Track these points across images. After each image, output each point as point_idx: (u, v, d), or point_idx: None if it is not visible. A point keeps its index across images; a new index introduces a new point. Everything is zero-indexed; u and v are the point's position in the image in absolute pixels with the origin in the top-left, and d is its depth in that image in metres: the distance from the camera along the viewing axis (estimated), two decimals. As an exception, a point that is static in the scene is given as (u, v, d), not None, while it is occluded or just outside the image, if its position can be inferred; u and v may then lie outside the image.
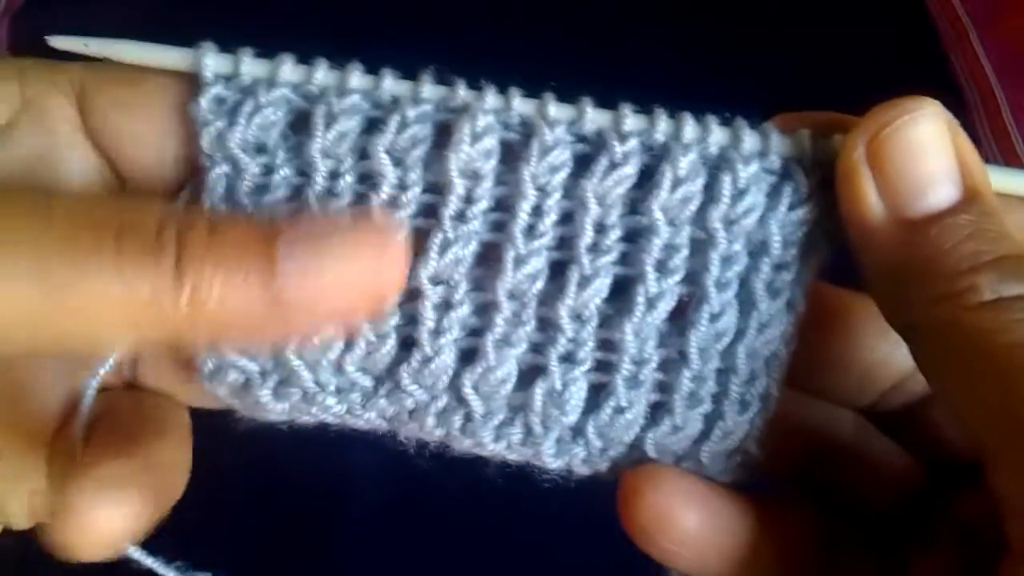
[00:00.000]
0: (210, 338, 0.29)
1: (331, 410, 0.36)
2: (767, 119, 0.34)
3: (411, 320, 0.35)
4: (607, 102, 0.34)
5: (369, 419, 0.36)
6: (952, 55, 0.70)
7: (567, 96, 0.34)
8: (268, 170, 0.34)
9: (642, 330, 0.34)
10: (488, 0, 0.70)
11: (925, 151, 0.30)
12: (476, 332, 0.35)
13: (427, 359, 0.34)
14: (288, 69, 0.34)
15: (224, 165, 0.34)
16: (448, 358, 0.34)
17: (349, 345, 0.35)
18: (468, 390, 0.35)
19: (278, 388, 0.36)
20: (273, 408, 0.36)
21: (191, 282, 0.26)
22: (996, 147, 0.66)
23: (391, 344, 0.35)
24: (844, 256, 0.34)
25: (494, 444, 0.35)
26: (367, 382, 0.35)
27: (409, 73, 0.34)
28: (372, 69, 0.34)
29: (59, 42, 0.34)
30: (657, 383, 0.35)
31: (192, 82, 0.34)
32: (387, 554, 0.59)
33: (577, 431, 0.35)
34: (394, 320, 0.35)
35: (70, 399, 0.35)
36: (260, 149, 0.35)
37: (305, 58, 0.34)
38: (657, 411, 0.35)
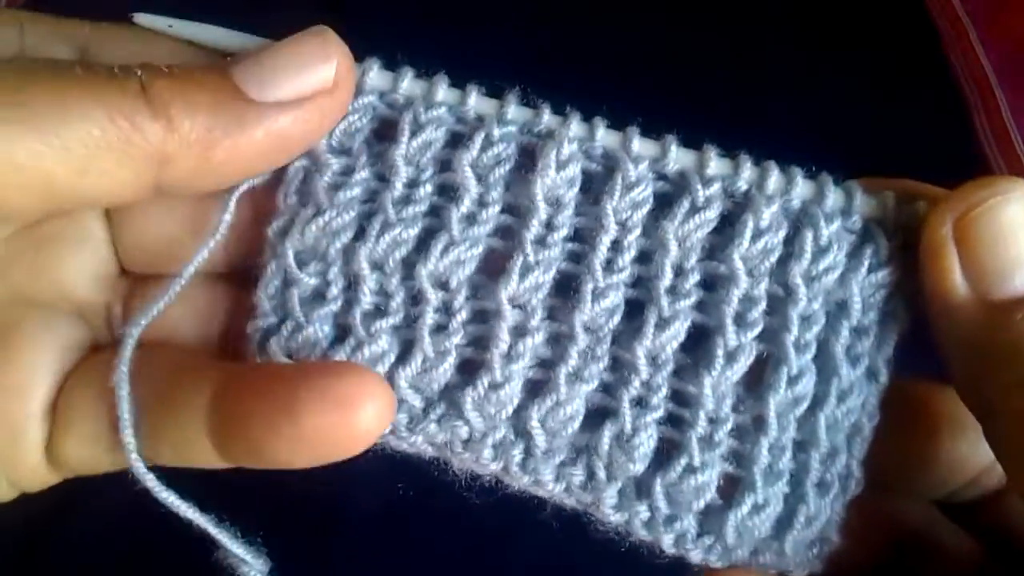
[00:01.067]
0: (202, 160, 0.30)
1: None
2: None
3: (474, 342, 0.34)
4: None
5: (415, 443, 0.34)
6: (952, 55, 0.70)
7: (647, 126, 0.34)
8: (348, 170, 0.34)
9: (720, 386, 0.33)
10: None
11: (1014, 234, 0.30)
12: (547, 364, 0.34)
13: (496, 385, 0.33)
14: (375, 75, 0.34)
15: (305, 160, 0.34)
16: (516, 387, 0.34)
17: (403, 359, 0.34)
18: (535, 423, 0.33)
19: None
20: None
21: (163, 109, 0.29)
22: (996, 147, 0.65)
23: (450, 363, 0.34)
24: (921, 332, 0.33)
25: (554, 484, 0.34)
26: (417, 403, 0.34)
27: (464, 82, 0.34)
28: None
29: (143, 19, 0.34)
30: (732, 452, 0.33)
31: (209, 58, 0.34)
32: (385, 559, 0.59)
33: (643, 487, 0.34)
34: (457, 339, 0.34)
35: (62, 364, 0.34)
36: (343, 151, 0.35)
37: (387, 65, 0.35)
38: (736, 487, 0.33)
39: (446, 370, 0.34)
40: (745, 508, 0.33)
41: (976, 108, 0.68)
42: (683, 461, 0.33)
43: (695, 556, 0.33)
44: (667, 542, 0.34)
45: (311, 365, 0.33)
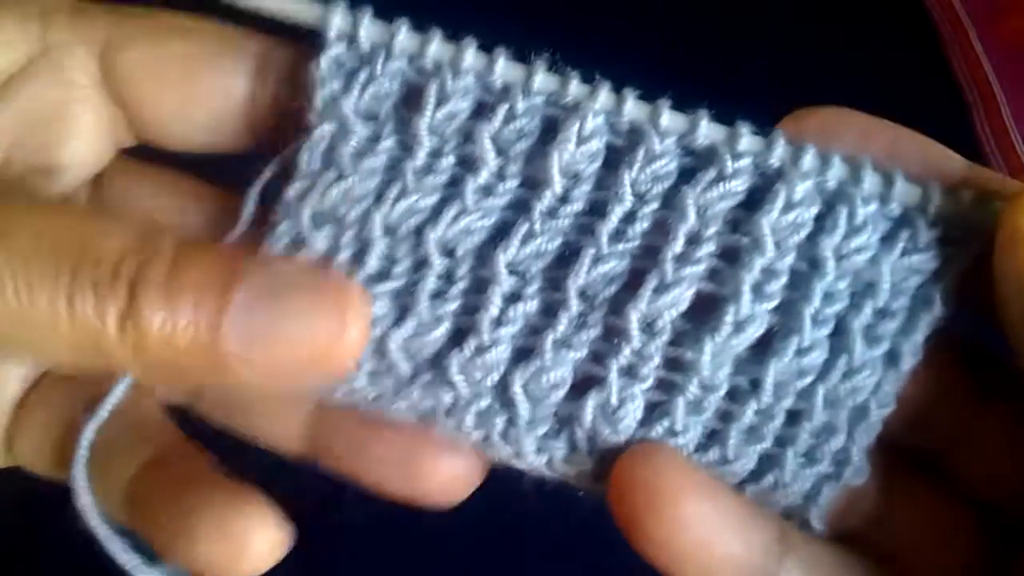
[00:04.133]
0: (149, 375, 0.29)
1: (360, 392, 0.34)
2: (770, 127, 0.33)
3: (469, 310, 0.33)
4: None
5: (399, 409, 0.34)
6: (952, 55, 0.70)
7: (677, 98, 0.32)
8: (375, 137, 0.34)
9: (721, 353, 0.32)
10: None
11: None
12: (537, 331, 0.33)
13: (482, 348, 0.33)
14: (404, 37, 0.33)
15: (333, 124, 0.34)
16: (504, 351, 0.33)
17: (398, 322, 0.33)
18: (517, 389, 0.33)
19: None
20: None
21: (137, 323, 0.26)
22: (996, 147, 0.65)
23: (445, 328, 0.33)
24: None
25: (535, 456, 0.33)
26: (406, 368, 0.33)
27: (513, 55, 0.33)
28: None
29: None
30: (720, 413, 0.33)
31: (225, 48, 0.34)
32: (384, 562, 0.59)
33: (621, 452, 0.32)
34: (453, 306, 0.33)
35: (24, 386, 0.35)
36: (371, 117, 0.34)
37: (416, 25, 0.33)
38: (711, 439, 0.33)
39: (438, 337, 0.33)
40: (711, 457, 0.32)
41: (976, 108, 0.68)
42: (664, 424, 0.32)
43: None
44: None
45: (212, 488, 0.32)
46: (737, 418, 0.32)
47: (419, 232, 0.33)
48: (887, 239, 0.32)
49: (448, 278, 0.33)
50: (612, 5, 0.71)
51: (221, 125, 0.34)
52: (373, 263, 0.33)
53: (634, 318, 0.32)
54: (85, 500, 0.32)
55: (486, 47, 0.33)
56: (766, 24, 0.71)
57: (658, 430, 0.32)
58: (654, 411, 0.33)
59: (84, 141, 0.34)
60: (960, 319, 0.33)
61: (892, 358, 0.32)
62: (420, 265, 0.33)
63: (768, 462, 0.33)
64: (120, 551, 0.32)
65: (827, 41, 0.70)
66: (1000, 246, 0.30)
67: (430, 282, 0.33)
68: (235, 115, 0.34)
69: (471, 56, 0.33)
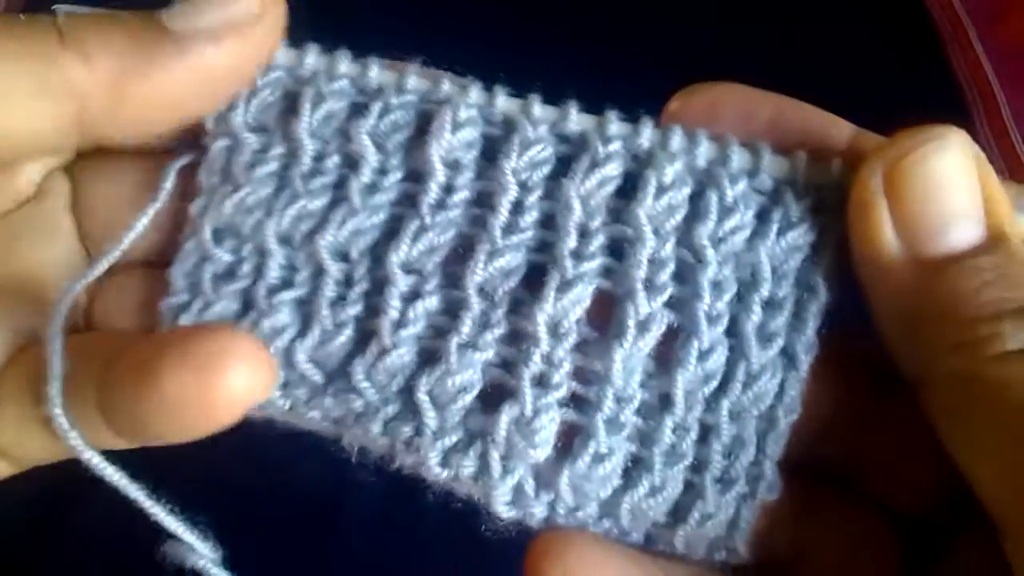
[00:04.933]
0: (118, 96, 0.29)
1: (274, 404, 0.33)
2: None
3: (371, 313, 0.33)
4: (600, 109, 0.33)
5: (312, 419, 0.34)
6: (952, 55, 0.70)
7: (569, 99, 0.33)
8: (265, 148, 0.34)
9: (630, 359, 0.31)
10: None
11: (948, 186, 0.28)
12: (441, 333, 0.33)
13: (384, 351, 0.32)
14: (281, 53, 0.34)
15: (226, 140, 0.34)
16: (406, 354, 0.32)
17: (303, 332, 0.33)
18: (422, 395, 0.32)
19: None
20: None
21: (79, 44, 0.28)
22: (996, 147, 0.65)
23: (348, 335, 0.33)
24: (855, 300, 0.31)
25: (440, 469, 0.32)
26: (317, 378, 0.33)
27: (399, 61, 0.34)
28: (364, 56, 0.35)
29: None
30: (636, 431, 0.32)
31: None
32: (383, 563, 0.59)
33: (544, 480, 0.31)
34: (354, 310, 0.33)
35: (6, 349, 0.33)
36: (261, 128, 0.35)
37: (297, 43, 0.34)
38: (634, 468, 0.32)
39: (343, 343, 0.33)
40: (642, 490, 0.31)
41: (976, 108, 0.68)
42: (591, 449, 0.31)
43: None
44: (568, 525, 0.32)
45: (182, 329, 0.32)
46: (657, 439, 0.31)
47: (311, 238, 0.33)
48: (762, 218, 0.32)
49: (346, 282, 0.33)
50: (610, 5, 0.71)
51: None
52: (273, 273, 0.33)
53: (541, 320, 0.31)
54: (70, 432, 0.30)
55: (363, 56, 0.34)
56: (765, 24, 0.71)
57: (585, 458, 0.31)
58: (575, 436, 0.32)
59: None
60: (847, 310, 0.32)
61: (789, 357, 0.32)
62: (318, 272, 0.33)
63: (691, 492, 0.32)
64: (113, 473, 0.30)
65: (827, 41, 0.70)
66: (850, 219, 0.29)
67: (328, 288, 0.33)
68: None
69: (345, 63, 0.34)
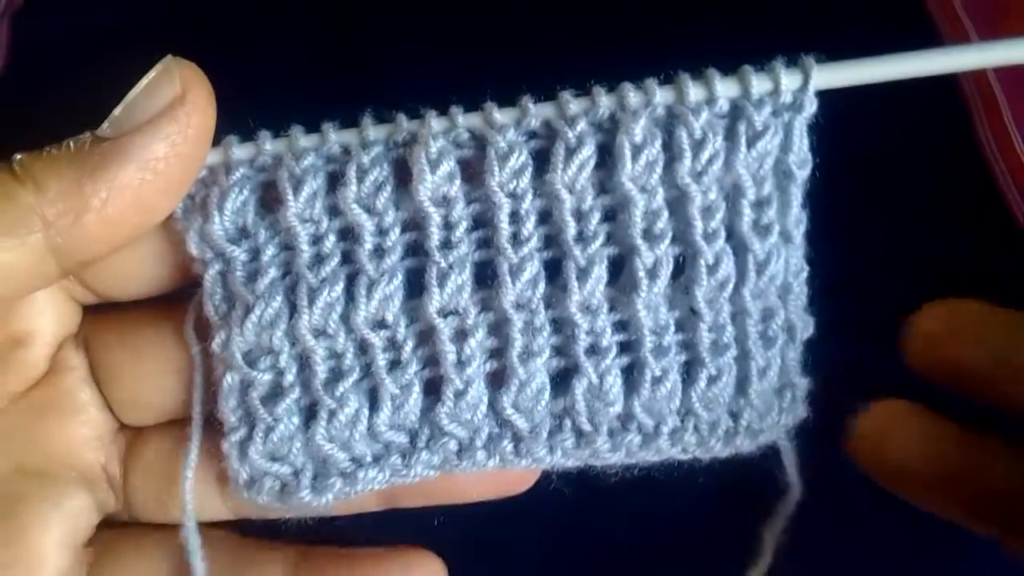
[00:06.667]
0: (84, 212, 0.31)
1: (374, 481, 0.35)
2: None
3: (429, 362, 0.35)
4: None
5: (416, 475, 0.35)
6: (952, 55, 0.70)
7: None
8: (254, 254, 0.34)
9: (651, 301, 0.34)
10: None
11: None
12: (498, 353, 0.35)
13: (460, 392, 0.34)
14: (237, 149, 0.34)
15: (217, 264, 0.35)
16: (480, 386, 0.35)
17: (374, 407, 0.34)
18: (509, 411, 0.34)
19: (316, 482, 0.34)
20: (317, 502, 0.35)
21: (28, 174, 0.31)
22: (996, 148, 0.65)
23: (416, 392, 0.35)
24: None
25: (550, 456, 0.35)
26: (402, 439, 0.35)
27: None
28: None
29: None
30: (681, 343, 0.35)
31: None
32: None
33: (626, 418, 0.35)
34: (412, 368, 0.34)
35: (73, 539, 0.36)
36: (244, 234, 0.35)
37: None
38: (690, 369, 0.36)
39: (416, 399, 0.34)
40: (702, 383, 0.35)
41: (976, 109, 0.68)
42: (647, 376, 0.35)
43: (691, 443, 0.35)
44: (664, 447, 0.36)
45: (377, 552, 0.36)
46: (699, 341, 0.35)
47: (346, 320, 0.34)
48: (729, 137, 0.34)
49: (393, 346, 0.34)
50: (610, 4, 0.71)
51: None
52: (322, 368, 0.34)
53: (575, 308, 0.34)
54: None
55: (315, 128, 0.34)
56: (765, 24, 0.71)
57: (645, 386, 0.35)
58: (631, 371, 0.35)
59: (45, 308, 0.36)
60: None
61: (786, 236, 0.35)
62: (364, 349, 0.34)
63: (743, 362, 0.36)
64: None
65: (827, 41, 0.70)
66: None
67: (380, 359, 0.34)
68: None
69: (303, 137, 0.34)
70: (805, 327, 0.37)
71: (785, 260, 0.36)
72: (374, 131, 0.34)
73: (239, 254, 0.34)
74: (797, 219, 0.36)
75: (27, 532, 0.34)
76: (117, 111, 0.32)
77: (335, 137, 0.34)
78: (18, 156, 0.31)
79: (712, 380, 0.35)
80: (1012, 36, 0.34)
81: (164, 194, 0.32)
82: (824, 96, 0.36)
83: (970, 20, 0.69)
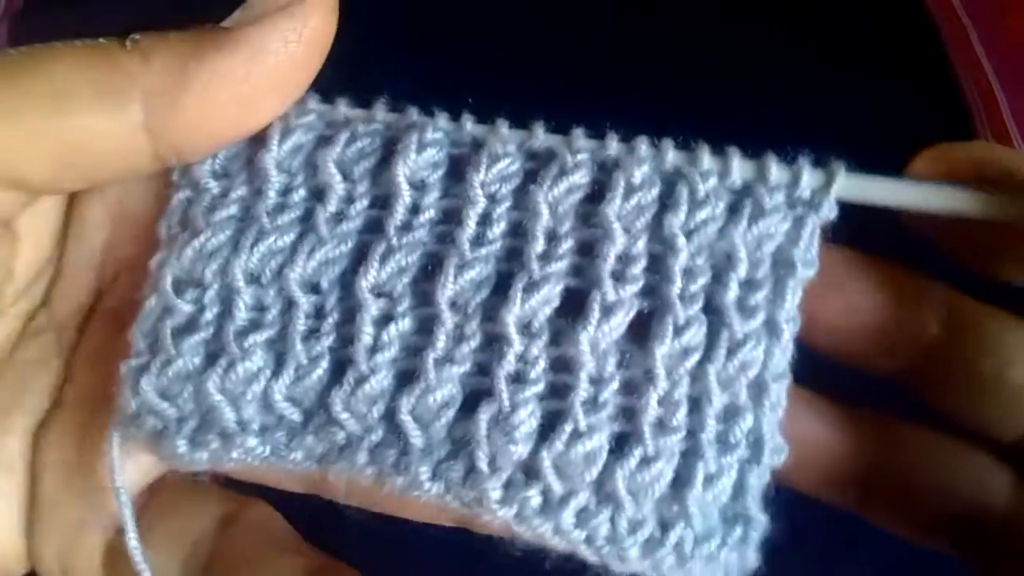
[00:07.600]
0: (183, 89, 0.30)
1: (253, 452, 0.32)
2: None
3: (345, 342, 0.32)
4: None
5: (295, 460, 0.32)
6: (952, 56, 0.70)
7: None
8: (225, 191, 0.34)
9: (599, 343, 0.31)
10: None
11: None
12: (416, 353, 0.32)
13: (361, 379, 0.31)
14: None
15: (187, 191, 0.34)
16: (384, 379, 0.32)
17: (277, 371, 0.32)
18: (404, 416, 0.31)
19: (195, 435, 0.32)
20: (190, 457, 0.33)
21: (137, 46, 0.30)
22: (996, 147, 0.65)
23: (324, 367, 0.32)
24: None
25: (431, 483, 0.31)
26: (296, 416, 0.32)
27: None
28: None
29: None
30: (621, 408, 0.31)
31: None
32: (382, 564, 0.59)
33: (531, 471, 0.31)
34: (328, 342, 0.32)
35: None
36: (224, 175, 0.34)
37: None
38: (623, 443, 0.31)
39: (320, 376, 0.32)
40: (633, 461, 0.30)
41: (976, 109, 0.68)
42: (567, 428, 0.30)
43: (600, 533, 0.31)
44: (566, 524, 0.31)
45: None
46: (642, 411, 0.31)
47: (281, 273, 0.32)
48: (733, 209, 0.32)
49: (318, 315, 0.32)
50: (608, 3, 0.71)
51: None
52: (241, 315, 0.32)
53: (511, 321, 0.31)
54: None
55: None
56: (765, 25, 0.71)
57: (562, 437, 0.30)
58: (555, 418, 0.31)
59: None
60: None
61: (772, 327, 0.32)
62: (288, 307, 0.32)
63: (689, 457, 0.31)
64: None
65: (826, 42, 0.70)
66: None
67: (300, 323, 0.32)
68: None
69: (315, 102, 0.33)
70: (776, 452, 0.32)
71: (765, 352, 0.32)
72: (382, 112, 0.33)
73: (213, 187, 0.34)
74: (789, 315, 0.32)
75: None
76: (239, 11, 0.31)
77: (344, 109, 0.33)
78: (135, 36, 0.30)
79: (646, 462, 0.30)
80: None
81: (269, 93, 0.31)
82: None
83: (970, 20, 0.69)
